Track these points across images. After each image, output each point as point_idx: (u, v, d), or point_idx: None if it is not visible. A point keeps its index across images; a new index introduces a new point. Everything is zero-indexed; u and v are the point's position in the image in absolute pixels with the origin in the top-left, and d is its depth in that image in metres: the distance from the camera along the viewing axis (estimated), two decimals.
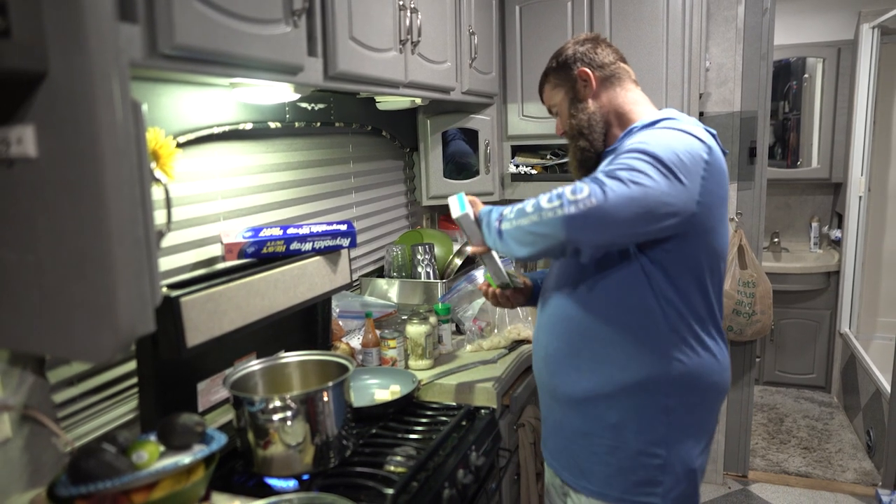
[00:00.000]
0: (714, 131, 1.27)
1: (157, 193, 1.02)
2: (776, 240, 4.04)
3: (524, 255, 1.20)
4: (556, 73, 1.39)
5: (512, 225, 1.20)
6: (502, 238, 1.22)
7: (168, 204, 1.03)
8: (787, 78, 3.96)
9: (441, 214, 2.65)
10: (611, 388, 1.24)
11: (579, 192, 1.09)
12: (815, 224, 3.97)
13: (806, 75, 3.91)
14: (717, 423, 1.33)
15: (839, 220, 3.87)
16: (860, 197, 3.56)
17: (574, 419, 1.30)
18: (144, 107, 0.86)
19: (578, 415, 1.29)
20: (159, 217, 1.04)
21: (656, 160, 1.11)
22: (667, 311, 1.21)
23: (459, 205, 1.33)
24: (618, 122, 1.33)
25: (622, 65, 1.38)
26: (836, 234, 3.89)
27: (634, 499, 1.25)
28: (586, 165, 1.34)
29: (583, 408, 1.28)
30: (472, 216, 1.32)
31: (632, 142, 1.20)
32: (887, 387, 2.85)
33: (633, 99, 1.35)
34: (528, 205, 1.17)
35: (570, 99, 1.36)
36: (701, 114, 2.66)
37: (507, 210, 1.23)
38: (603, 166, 1.19)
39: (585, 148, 1.33)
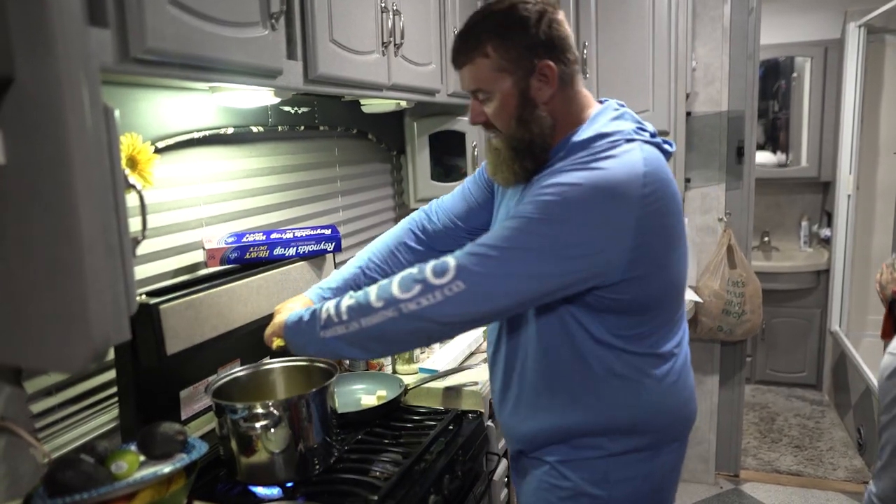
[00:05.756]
0: (657, 138, 1.10)
1: (132, 200, 1.01)
2: (766, 239, 4.05)
3: None
4: (506, 49, 1.05)
5: (340, 322, 1.05)
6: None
7: (143, 211, 1.02)
8: (776, 77, 3.97)
9: None
10: (546, 434, 1.16)
11: (443, 276, 0.99)
12: (804, 223, 3.98)
13: (794, 74, 3.92)
14: (678, 460, 1.21)
15: (829, 218, 3.88)
16: (849, 195, 3.57)
17: (518, 454, 1.24)
18: (117, 112, 0.85)
19: (515, 448, 1.24)
20: (135, 224, 1.03)
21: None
22: (603, 355, 1.09)
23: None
24: (560, 129, 1.10)
25: (576, 52, 1.12)
26: (825, 232, 3.90)
27: None
28: (526, 179, 1.13)
29: (522, 446, 1.22)
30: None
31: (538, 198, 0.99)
32: (877, 384, 2.86)
33: (583, 103, 1.12)
34: (373, 294, 1.03)
35: (520, 92, 1.06)
36: (688, 113, 2.67)
37: (330, 308, 1.06)
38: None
39: (529, 170, 1.11)
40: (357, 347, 1.06)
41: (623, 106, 1.14)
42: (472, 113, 1.13)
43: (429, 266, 0.99)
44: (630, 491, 1.14)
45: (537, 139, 1.08)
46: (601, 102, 1.15)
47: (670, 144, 1.14)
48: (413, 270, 1.01)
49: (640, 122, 1.11)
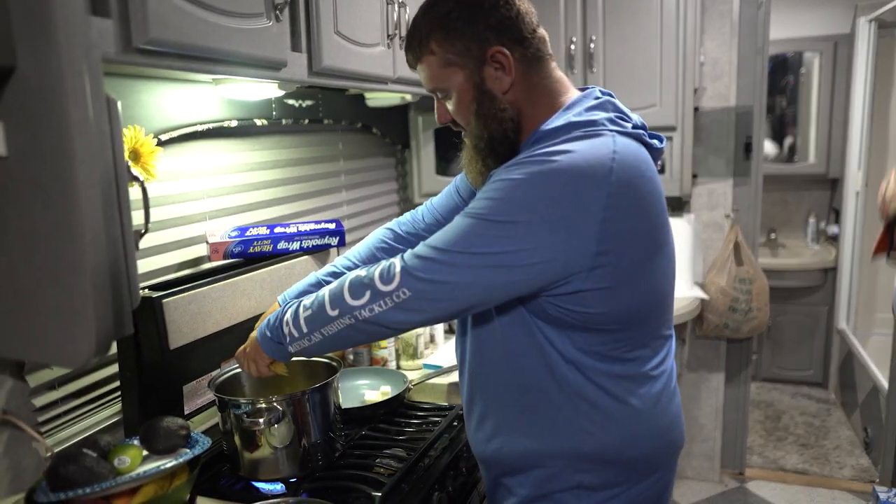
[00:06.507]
0: (641, 130, 0.99)
1: (135, 193, 1.00)
2: (773, 236, 4.02)
3: None
4: (451, 42, 0.97)
5: (300, 332, 1.03)
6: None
7: (146, 204, 1.01)
8: (784, 73, 3.94)
9: None
10: (511, 457, 1.05)
11: (390, 282, 0.93)
12: (812, 220, 3.95)
13: (803, 70, 3.89)
14: (661, 493, 1.08)
15: (836, 215, 3.85)
16: (857, 192, 3.54)
17: (490, 481, 1.15)
18: (119, 104, 0.84)
19: (485, 472, 1.16)
20: (137, 217, 1.02)
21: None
22: (571, 376, 0.98)
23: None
24: (530, 119, 1.00)
25: (542, 29, 1.00)
26: (833, 229, 3.88)
27: None
28: (484, 178, 1.04)
29: (489, 467, 1.13)
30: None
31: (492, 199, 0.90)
32: (885, 383, 2.83)
33: (557, 89, 1.00)
34: (327, 302, 0.99)
35: (475, 86, 0.98)
36: (696, 109, 2.64)
37: (289, 319, 1.04)
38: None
39: (491, 168, 1.01)
40: (322, 351, 1.05)
41: (608, 94, 1.02)
42: (437, 113, 1.07)
43: (377, 270, 0.95)
44: None
45: (497, 135, 0.99)
46: (583, 90, 1.03)
47: (660, 139, 1.02)
48: (361, 273, 0.96)
49: (621, 112, 0.99)
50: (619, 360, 0.99)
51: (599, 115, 0.96)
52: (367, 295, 0.94)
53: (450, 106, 1.04)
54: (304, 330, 1.01)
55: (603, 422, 0.99)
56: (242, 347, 1.16)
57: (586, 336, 0.97)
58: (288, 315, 1.04)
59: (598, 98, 1.00)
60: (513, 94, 0.99)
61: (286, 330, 1.04)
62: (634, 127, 0.99)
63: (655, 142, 1.02)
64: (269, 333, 1.07)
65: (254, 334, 1.13)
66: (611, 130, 0.94)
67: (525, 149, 0.98)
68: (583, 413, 0.99)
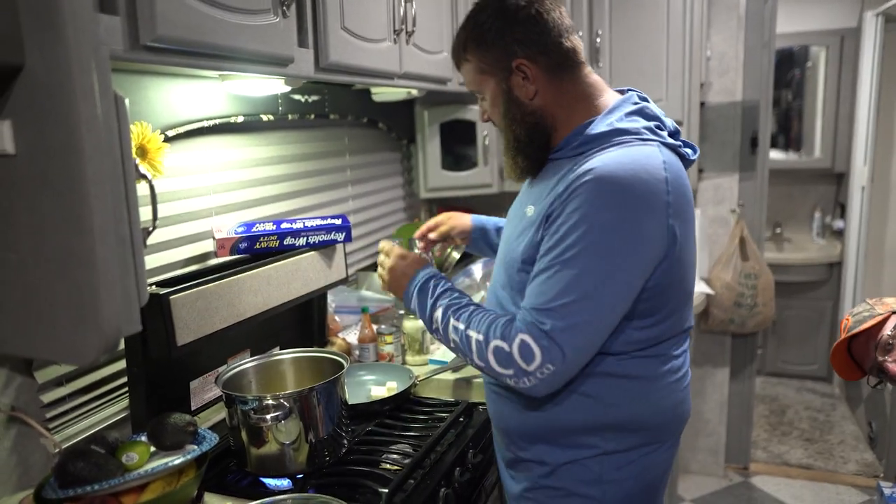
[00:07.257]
0: (678, 139, 1.07)
1: (142, 189, 1.00)
2: (778, 230, 4.01)
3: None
4: (483, 53, 1.06)
5: (445, 341, 1.10)
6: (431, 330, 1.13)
7: (153, 200, 1.01)
8: (790, 66, 3.92)
9: (439, 207, 2.63)
10: (537, 429, 1.11)
11: (531, 361, 0.96)
12: (817, 214, 3.94)
13: (809, 63, 3.87)
14: (669, 461, 1.16)
15: (842, 210, 3.83)
16: (863, 187, 3.52)
17: (508, 451, 1.19)
18: (127, 101, 0.84)
19: (507, 444, 1.19)
20: (145, 213, 1.02)
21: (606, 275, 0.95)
22: (599, 359, 1.04)
23: None
24: (565, 121, 1.07)
25: (573, 38, 1.06)
26: (838, 224, 3.86)
27: None
28: (527, 176, 1.15)
29: (511, 440, 1.17)
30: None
31: (573, 217, 0.95)
32: None
33: (587, 92, 1.07)
34: (473, 349, 1.03)
35: (504, 92, 1.07)
36: (702, 104, 2.63)
37: (438, 316, 1.09)
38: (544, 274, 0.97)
39: (525, 168, 1.11)
40: None
41: (645, 99, 1.09)
42: (480, 111, 1.17)
43: (515, 343, 0.97)
44: (623, 491, 1.10)
45: (522, 137, 1.08)
46: (622, 92, 1.11)
47: (693, 149, 1.09)
48: (502, 343, 0.99)
49: (658, 119, 1.06)
50: (648, 345, 1.06)
51: (640, 123, 1.03)
52: (511, 371, 0.99)
53: (487, 107, 1.14)
54: (451, 345, 1.09)
55: (628, 395, 1.06)
56: (391, 266, 1.25)
57: (620, 324, 1.02)
58: (438, 313, 1.10)
59: (636, 103, 1.06)
60: (540, 100, 1.06)
61: (434, 326, 1.11)
62: (670, 134, 1.07)
63: (689, 151, 1.08)
64: (417, 300, 1.14)
65: (406, 270, 1.20)
66: (654, 141, 1.01)
67: (568, 147, 1.06)
68: (609, 388, 1.05)
